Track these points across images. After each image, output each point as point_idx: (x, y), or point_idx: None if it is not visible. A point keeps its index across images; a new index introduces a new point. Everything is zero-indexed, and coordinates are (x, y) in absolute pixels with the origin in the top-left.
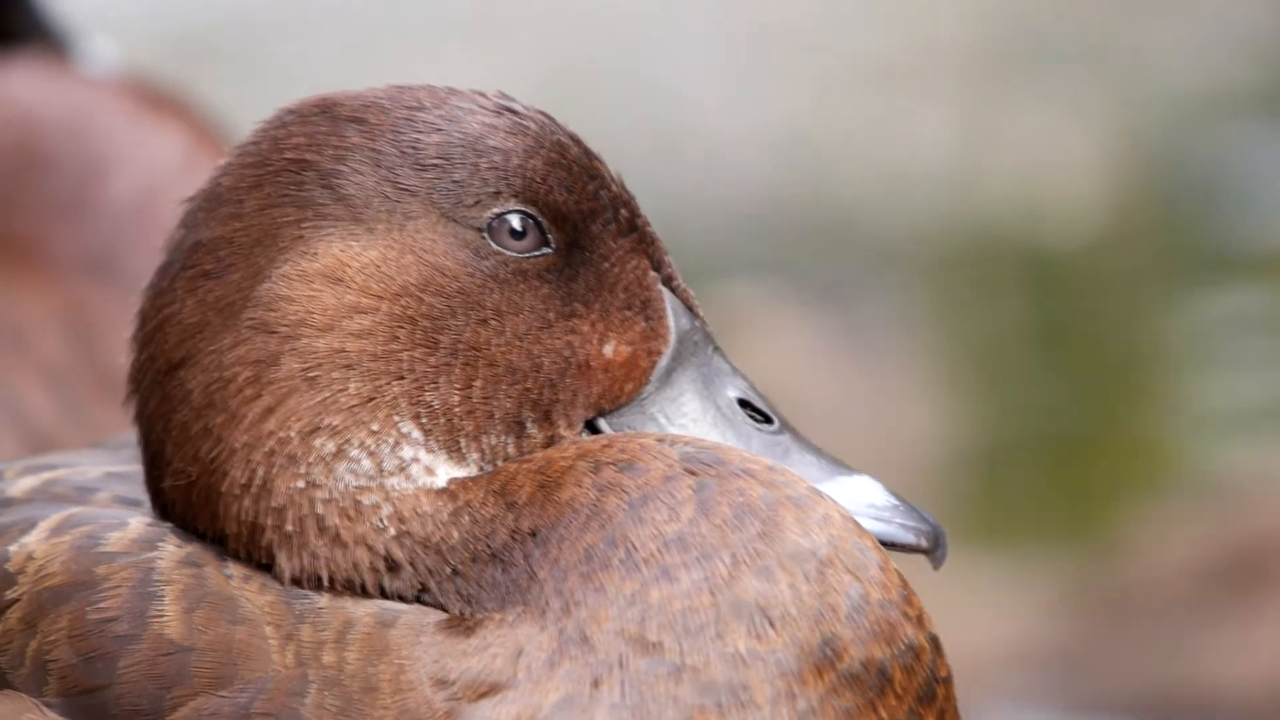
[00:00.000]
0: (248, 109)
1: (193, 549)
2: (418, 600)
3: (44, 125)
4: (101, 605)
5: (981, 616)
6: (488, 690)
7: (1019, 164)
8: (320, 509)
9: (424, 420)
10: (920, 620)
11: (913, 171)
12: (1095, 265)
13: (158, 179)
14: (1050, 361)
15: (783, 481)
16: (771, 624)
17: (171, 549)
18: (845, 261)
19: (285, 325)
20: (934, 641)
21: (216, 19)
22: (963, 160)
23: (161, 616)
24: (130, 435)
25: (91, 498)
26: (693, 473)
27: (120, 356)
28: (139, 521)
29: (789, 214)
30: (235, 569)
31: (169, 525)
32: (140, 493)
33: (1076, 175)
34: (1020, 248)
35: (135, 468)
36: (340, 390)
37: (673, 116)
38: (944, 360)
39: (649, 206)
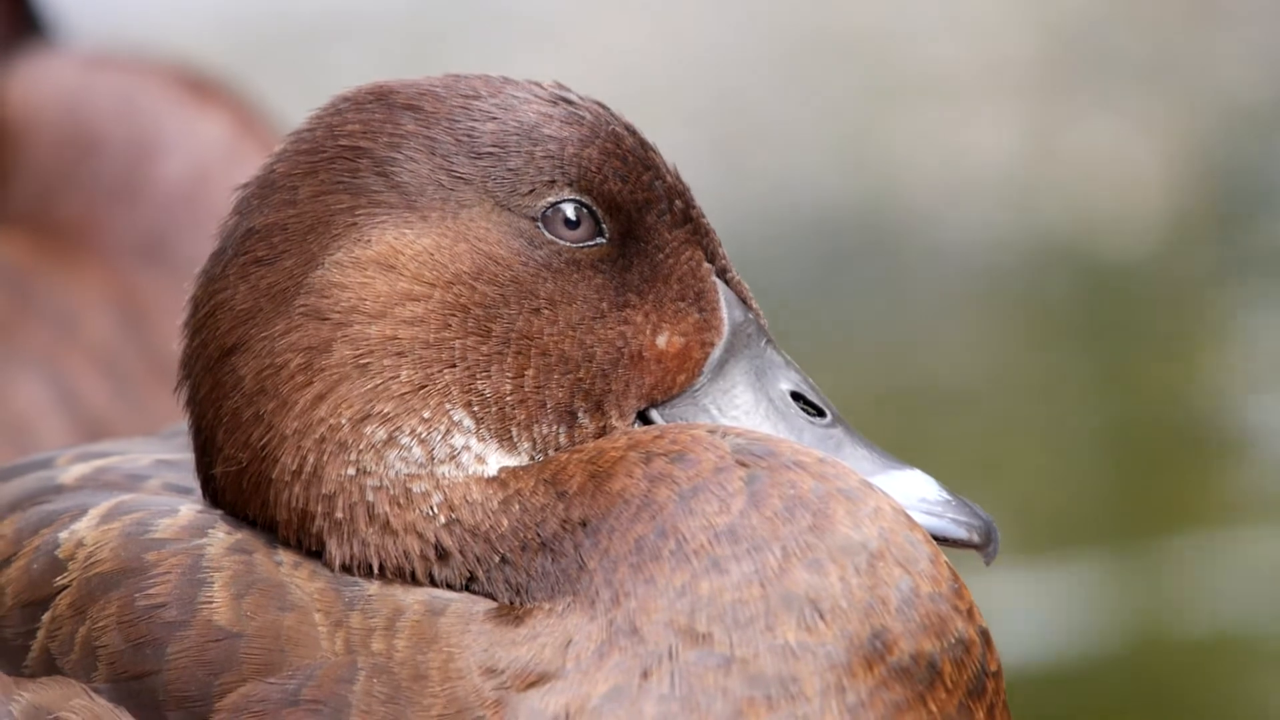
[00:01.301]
0: (307, 111)
1: (242, 536)
2: (466, 589)
3: (92, 110)
4: (151, 591)
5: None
6: (536, 680)
7: (1081, 175)
8: (370, 496)
9: (476, 408)
10: (971, 614)
11: (976, 182)
12: (1156, 275)
13: (206, 163)
14: (1108, 376)
15: (834, 474)
16: (821, 616)
17: (221, 536)
18: (906, 271)
19: (337, 312)
20: (984, 635)
21: (275, 21)
22: (1026, 171)
23: (211, 603)
24: (182, 424)
25: (142, 485)
26: (744, 464)
27: (172, 342)
28: (189, 508)
29: (852, 224)
30: (285, 556)
31: (219, 512)
32: (191, 480)
33: (1139, 186)
34: (1080, 259)
35: (186, 455)
36: (392, 377)
37: (736, 126)
38: (1001, 372)
39: (712, 217)
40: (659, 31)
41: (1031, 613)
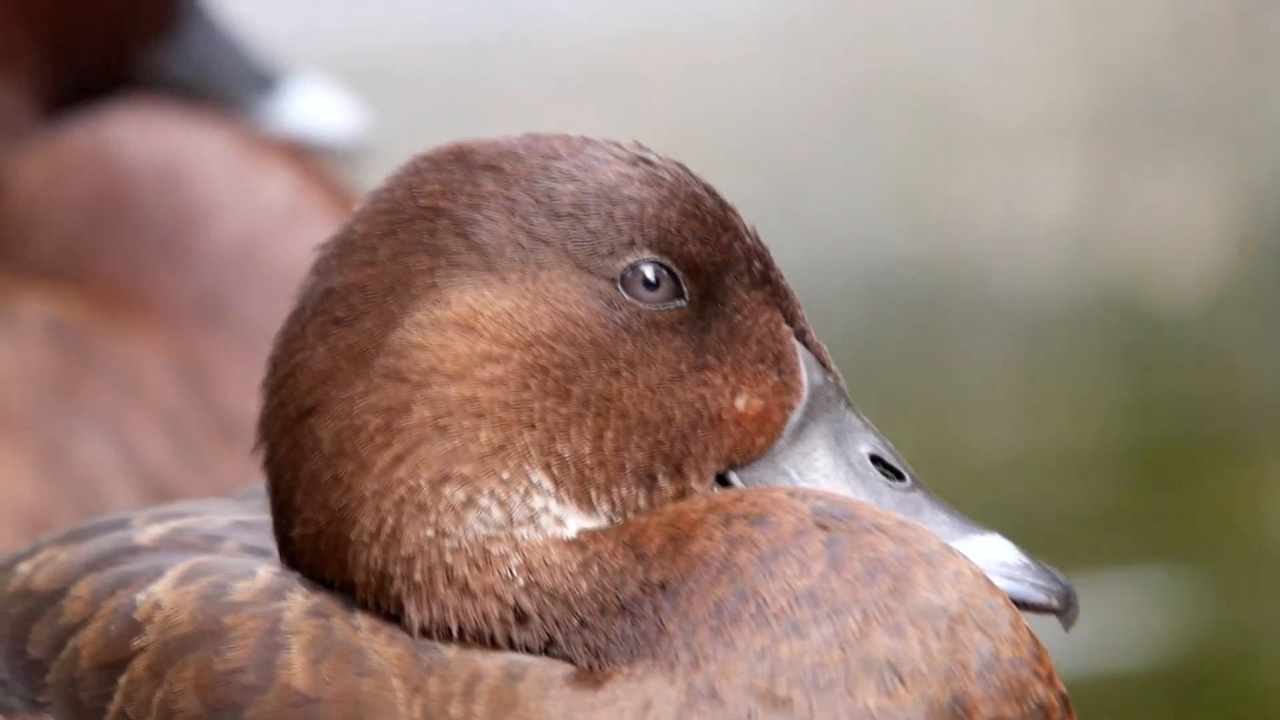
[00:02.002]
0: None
1: (320, 599)
2: (545, 653)
3: (134, 173)
4: (228, 655)
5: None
6: None
7: (1139, 226)
8: (449, 558)
9: (555, 470)
10: (1051, 679)
11: (1030, 235)
12: (1213, 331)
13: (259, 224)
14: (1161, 441)
15: (914, 537)
16: (902, 681)
17: (299, 599)
18: (959, 325)
19: (417, 373)
20: (1064, 700)
21: (333, 72)
22: (1082, 223)
23: (289, 667)
24: (257, 485)
25: (219, 546)
26: (824, 527)
27: (234, 402)
28: (267, 571)
29: (904, 277)
30: (363, 620)
31: (296, 575)
32: (268, 542)
33: (1197, 237)
34: (1140, 309)
35: (263, 517)
36: (471, 439)
37: (792, 176)
38: (1051, 432)
39: None
40: (709, 80)
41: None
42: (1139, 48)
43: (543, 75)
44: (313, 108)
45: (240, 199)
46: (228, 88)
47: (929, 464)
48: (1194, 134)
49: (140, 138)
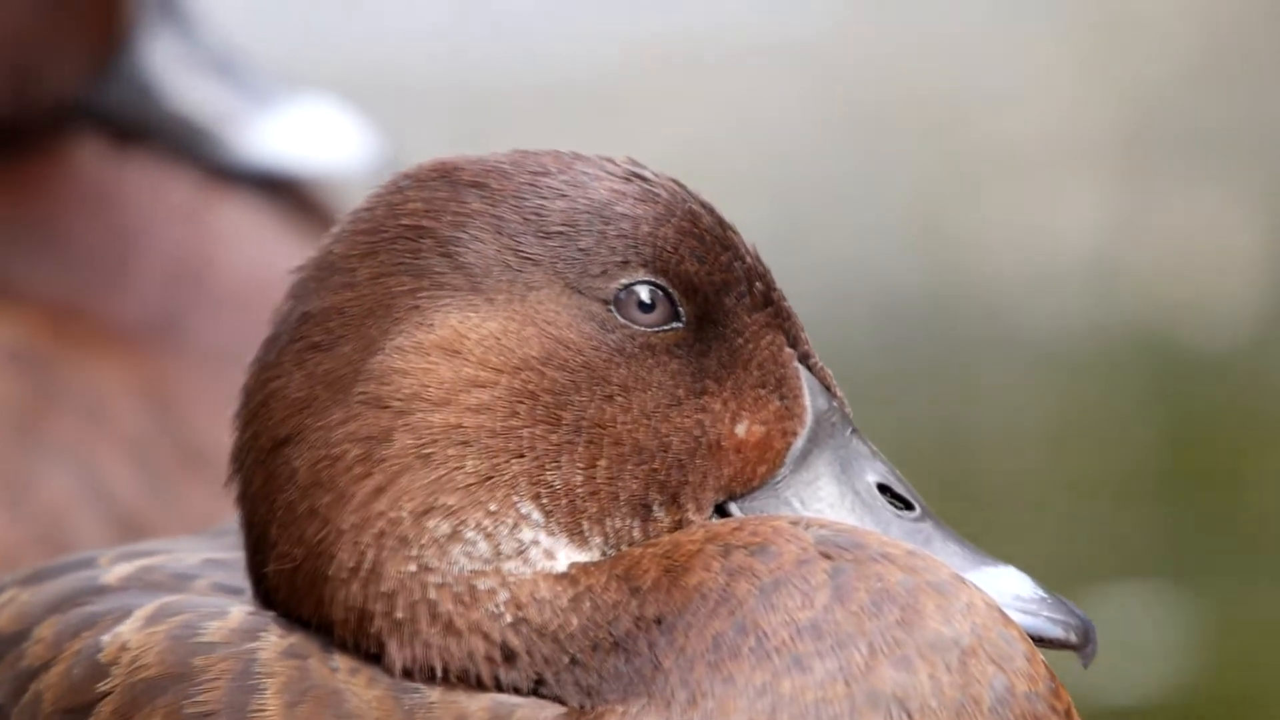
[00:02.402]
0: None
1: (296, 639)
2: (534, 693)
3: (58, 195)
4: (199, 699)
5: None
6: None
7: (1168, 256)
8: (433, 594)
9: (545, 501)
10: (1069, 715)
11: (1053, 264)
12: (1252, 369)
13: (207, 243)
14: (1193, 483)
15: (923, 567)
16: (910, 716)
17: (274, 639)
18: (976, 361)
19: (398, 400)
20: None
21: (318, 84)
22: (1107, 253)
23: (263, 711)
24: (231, 522)
25: (190, 585)
26: (828, 556)
27: (203, 428)
28: (239, 610)
29: (920, 308)
30: (341, 661)
31: (271, 614)
32: (241, 580)
33: (1231, 268)
34: (1169, 346)
35: (236, 554)
36: (456, 468)
37: (802, 203)
38: (1078, 465)
39: None
40: (720, 103)
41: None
42: (1168, 68)
43: (544, 96)
44: (310, 129)
45: (181, 219)
46: (189, 114)
47: (943, 503)
48: (1228, 159)
49: (69, 163)
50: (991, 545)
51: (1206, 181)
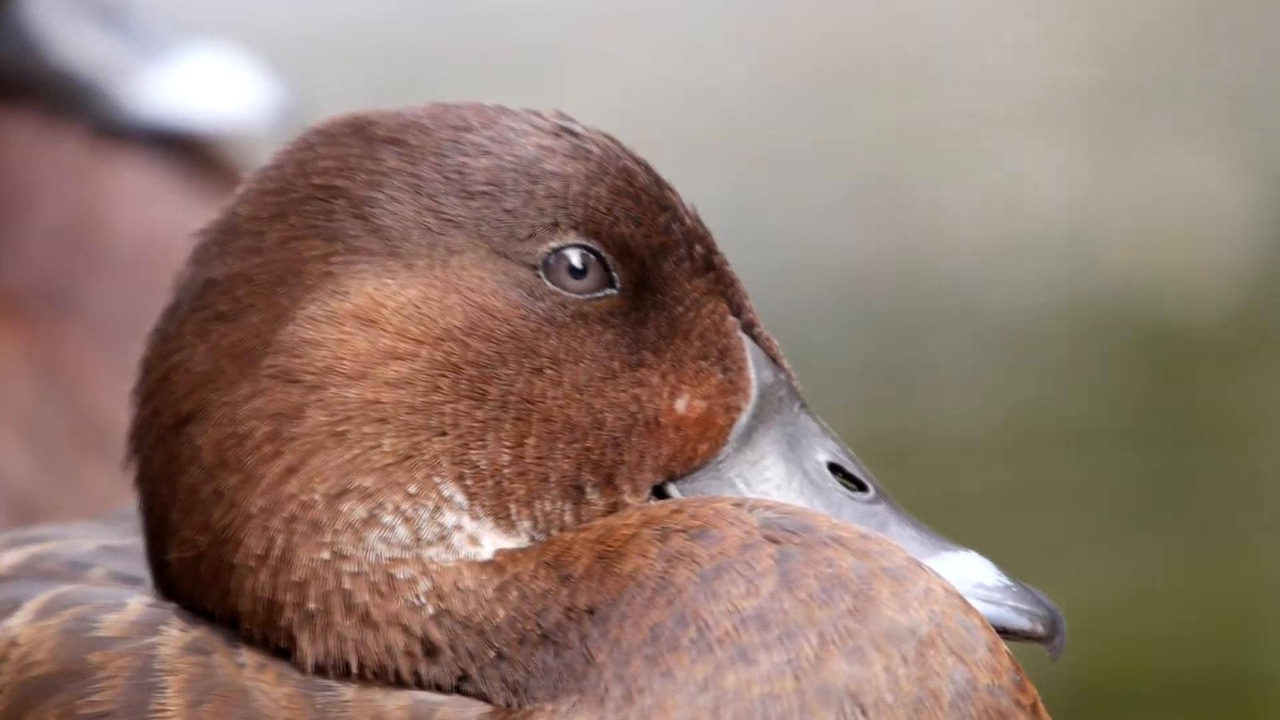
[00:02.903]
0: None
1: (200, 633)
2: (457, 690)
3: None
4: (95, 699)
5: None
6: None
7: (1146, 223)
8: (348, 583)
9: (469, 482)
10: (1035, 709)
11: (1024, 233)
12: (1236, 341)
13: (98, 205)
14: (1176, 465)
15: (877, 551)
16: (864, 712)
17: (175, 633)
18: (945, 334)
19: (310, 373)
20: None
21: (252, 44)
22: (1082, 219)
23: (164, 711)
24: (129, 505)
25: (84, 574)
26: (774, 540)
27: (99, 404)
28: (138, 602)
29: (882, 282)
30: (248, 656)
31: (173, 606)
32: (140, 569)
33: (1216, 232)
34: (1149, 320)
35: (134, 541)
36: (373, 447)
37: (755, 170)
38: (1051, 459)
39: None
40: (669, 65)
41: None
42: (1140, 21)
43: (486, 56)
44: (206, 80)
45: (69, 179)
46: (75, 68)
47: (905, 488)
48: (1207, 117)
49: None
50: (956, 529)
51: (1184, 142)
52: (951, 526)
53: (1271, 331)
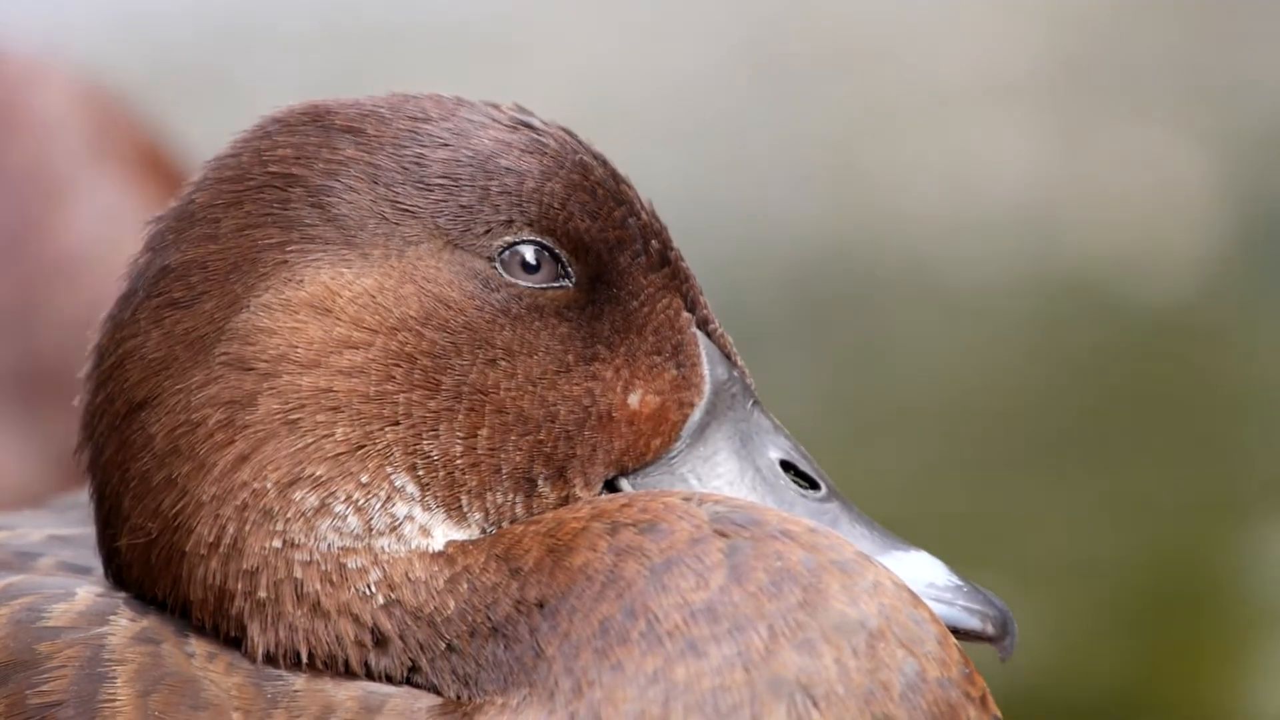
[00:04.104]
0: (226, 137)
1: (149, 623)
2: (407, 681)
3: None
4: (44, 688)
5: None
6: None
7: (1106, 200)
8: (299, 572)
9: (421, 473)
10: (984, 702)
11: (982, 211)
12: (1201, 321)
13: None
14: (1139, 446)
15: (827, 545)
16: (815, 704)
17: (125, 623)
18: (903, 315)
19: (264, 361)
20: None
21: (191, 32)
22: (1041, 199)
23: (113, 701)
24: (78, 494)
25: (33, 564)
26: (724, 534)
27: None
28: (88, 591)
29: (839, 264)
30: (198, 646)
31: (122, 596)
32: (90, 559)
33: (1177, 211)
34: (1109, 298)
35: (83, 530)
36: (325, 436)
37: (709, 150)
38: (1011, 441)
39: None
40: (625, 48)
41: None
42: None
43: (438, 41)
44: None
45: None
46: None
47: (866, 476)
48: (1169, 92)
49: None
50: (915, 508)
51: (1143, 119)
52: (911, 505)
53: (1230, 309)
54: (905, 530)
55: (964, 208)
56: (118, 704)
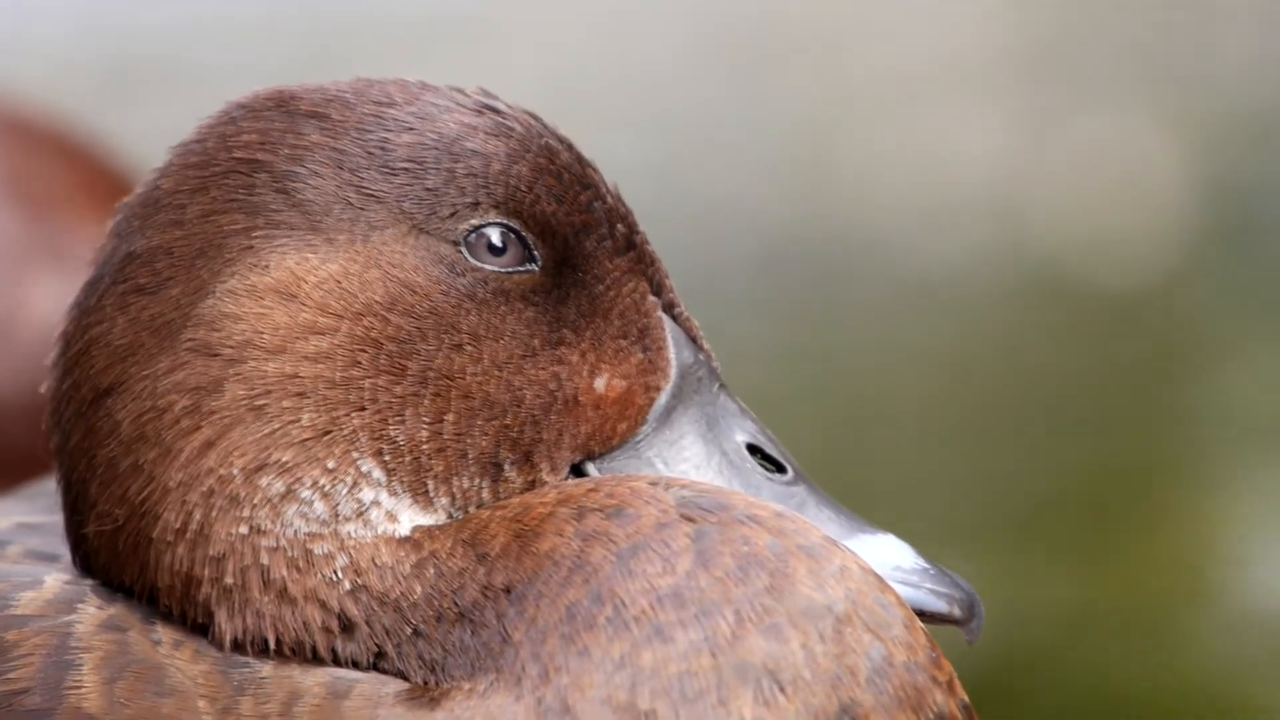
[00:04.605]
0: (190, 123)
1: (116, 610)
2: (374, 667)
3: None
4: (11, 676)
5: None
6: None
7: (1075, 187)
8: (265, 559)
9: (387, 458)
10: (951, 686)
11: (949, 198)
12: (1169, 306)
13: None
14: (1108, 429)
15: (793, 529)
16: (782, 689)
17: (92, 611)
18: (870, 303)
19: (230, 347)
20: (966, 710)
21: (155, 17)
22: (1008, 185)
23: (79, 688)
24: (45, 482)
25: (1, 552)
26: (690, 519)
27: None
28: (55, 579)
29: (805, 250)
30: (164, 633)
31: (90, 583)
32: (57, 546)
33: (1145, 196)
34: (1078, 284)
35: (51, 518)
36: (291, 421)
37: (674, 136)
38: (979, 427)
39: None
40: (589, 32)
41: None
42: None
43: (401, 28)
44: None
45: None
46: None
47: (832, 462)
48: (1138, 77)
49: None
50: (883, 494)
51: (1112, 104)
52: (878, 491)
53: (1198, 293)
54: (875, 517)
55: (932, 195)
56: (84, 690)
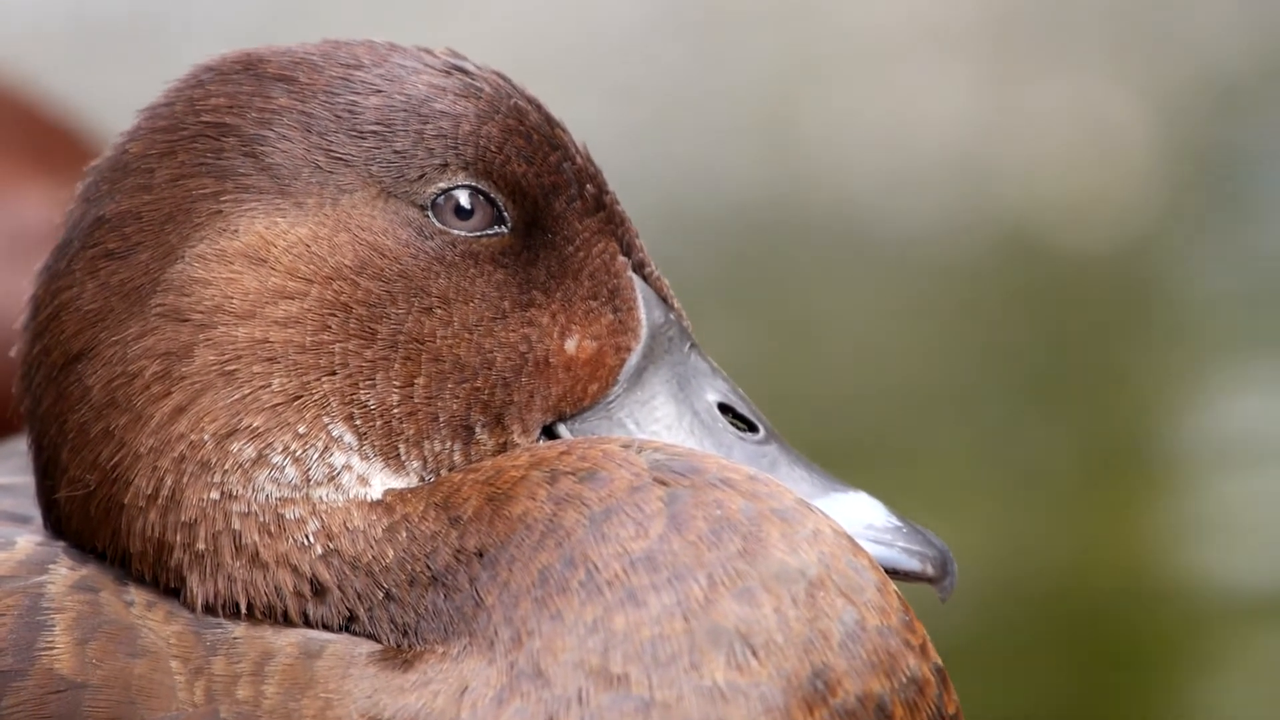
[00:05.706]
0: (158, 86)
1: (88, 571)
2: (346, 630)
3: None
4: None
5: None
6: None
7: (1043, 150)
8: (237, 524)
9: (358, 422)
10: (924, 650)
11: (917, 162)
12: (1137, 269)
13: None
14: (1072, 393)
15: (766, 493)
16: (754, 653)
17: (64, 572)
18: (838, 268)
19: (200, 312)
20: (940, 673)
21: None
22: (976, 147)
23: (51, 649)
24: (18, 443)
25: None
26: (663, 482)
27: None
28: (27, 540)
29: (774, 214)
30: (137, 594)
31: (62, 545)
32: (30, 508)
33: (1112, 159)
34: (1045, 249)
35: (24, 479)
36: (262, 386)
37: (640, 102)
38: (947, 388)
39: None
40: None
41: None
42: None
43: None
44: None
45: None
46: None
47: (798, 426)
48: (1107, 40)
49: None
50: (851, 471)
51: (1079, 69)
52: (849, 459)
53: (1166, 256)
54: (845, 478)
55: (899, 157)
56: (56, 651)
